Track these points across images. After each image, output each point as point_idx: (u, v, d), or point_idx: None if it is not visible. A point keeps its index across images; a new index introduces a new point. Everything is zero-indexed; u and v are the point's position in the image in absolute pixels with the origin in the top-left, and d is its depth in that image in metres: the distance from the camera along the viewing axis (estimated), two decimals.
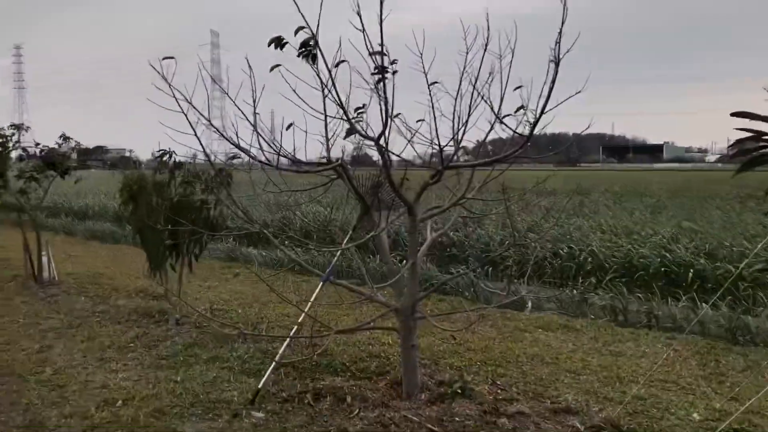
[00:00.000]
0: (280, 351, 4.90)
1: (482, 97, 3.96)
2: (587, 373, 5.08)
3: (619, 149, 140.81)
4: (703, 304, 6.90)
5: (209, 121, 4.00)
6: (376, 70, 3.94)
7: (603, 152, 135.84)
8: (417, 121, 4.30)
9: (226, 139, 4.11)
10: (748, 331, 6.14)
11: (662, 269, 7.96)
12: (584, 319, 6.91)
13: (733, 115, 2.99)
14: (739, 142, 3.05)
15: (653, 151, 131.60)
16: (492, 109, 3.94)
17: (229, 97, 4.15)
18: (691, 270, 7.64)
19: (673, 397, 4.59)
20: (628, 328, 6.51)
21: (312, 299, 4.87)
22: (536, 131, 4.03)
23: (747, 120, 3.03)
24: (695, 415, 4.22)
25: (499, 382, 4.80)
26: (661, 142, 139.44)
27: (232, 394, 4.63)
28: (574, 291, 7.60)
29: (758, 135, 2.91)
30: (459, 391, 4.42)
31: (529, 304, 7.36)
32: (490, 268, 8.84)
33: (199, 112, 3.98)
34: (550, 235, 9.79)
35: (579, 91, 4.04)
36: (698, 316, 6.33)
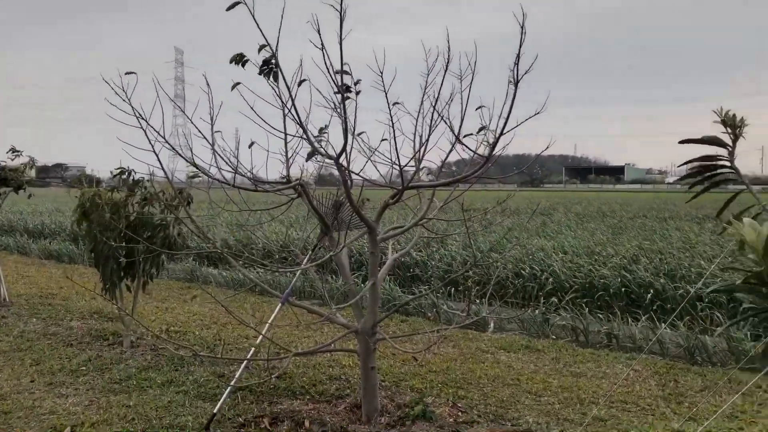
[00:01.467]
0: (237, 374, 4.78)
1: (441, 117, 3.95)
2: (548, 394, 5.06)
3: (581, 170, 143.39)
4: (662, 324, 6.98)
5: (164, 138, 3.91)
6: (339, 90, 3.92)
7: (566, 173, 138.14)
8: (381, 140, 4.29)
9: (182, 156, 4.02)
10: (705, 351, 6.21)
11: (623, 289, 8.04)
12: (546, 339, 6.92)
13: (680, 143, 3.04)
14: (688, 176, 3.11)
15: (615, 173, 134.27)
16: (451, 129, 3.94)
17: (185, 114, 4.07)
18: (651, 290, 7.72)
19: (633, 417, 4.59)
20: (588, 349, 6.54)
21: (270, 321, 4.77)
22: (497, 151, 4.04)
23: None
24: None
25: (459, 404, 4.75)
26: (623, 164, 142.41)
27: (186, 419, 4.49)
28: (536, 311, 7.61)
29: (704, 159, 2.96)
30: (419, 413, 4.35)
31: (492, 324, 7.34)
32: (453, 289, 8.82)
33: (154, 129, 3.89)
34: (512, 255, 9.83)
35: (538, 112, 4.07)
36: (656, 335, 6.39)
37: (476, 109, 4.12)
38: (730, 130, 3.13)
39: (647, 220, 18.93)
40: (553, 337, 7.02)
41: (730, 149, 3.06)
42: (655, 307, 7.44)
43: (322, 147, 4.13)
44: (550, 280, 8.58)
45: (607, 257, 9.52)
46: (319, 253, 5.48)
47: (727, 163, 3.04)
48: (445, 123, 3.95)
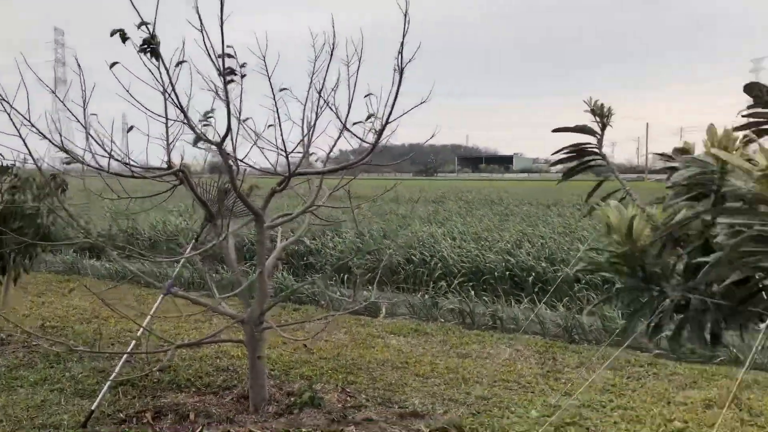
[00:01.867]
0: (117, 368, 4.59)
1: (327, 104, 3.94)
2: (435, 376, 5.20)
3: (473, 160, 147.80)
4: (543, 305, 7.33)
5: (30, 122, 3.66)
6: (222, 74, 3.81)
7: (458, 162, 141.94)
8: (267, 126, 4.22)
9: (50, 141, 3.78)
10: (582, 330, 6.58)
11: (507, 273, 8.36)
12: (434, 323, 7.09)
13: (554, 131, 3.19)
14: (559, 162, 3.27)
15: (504, 162, 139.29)
16: (337, 115, 3.93)
17: (57, 97, 3.85)
18: (533, 273, 8.09)
19: (514, 395, 4.79)
20: (475, 331, 6.76)
21: (152, 312, 4.60)
22: (384, 139, 4.09)
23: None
24: (533, 412, 4.42)
25: (348, 390, 4.78)
26: (512, 154, 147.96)
27: (61, 417, 4.26)
28: (426, 296, 7.79)
29: (575, 147, 3.12)
30: (307, 400, 4.35)
31: (383, 309, 7.44)
32: (346, 276, 8.86)
33: (18, 112, 3.63)
34: (403, 241, 10.00)
35: (424, 101, 4.15)
36: (532, 316, 6.70)
37: (365, 97, 4.15)
38: (598, 119, 3.32)
39: (532, 207, 19.80)
40: (442, 320, 7.21)
41: (599, 137, 3.25)
42: (536, 289, 7.80)
43: (207, 133, 4.02)
44: (439, 265, 8.79)
45: (494, 242, 9.88)
46: (206, 242, 5.34)
47: (596, 150, 3.23)
48: (331, 109, 3.95)
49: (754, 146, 2.34)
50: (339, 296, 7.68)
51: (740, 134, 2.71)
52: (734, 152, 2.26)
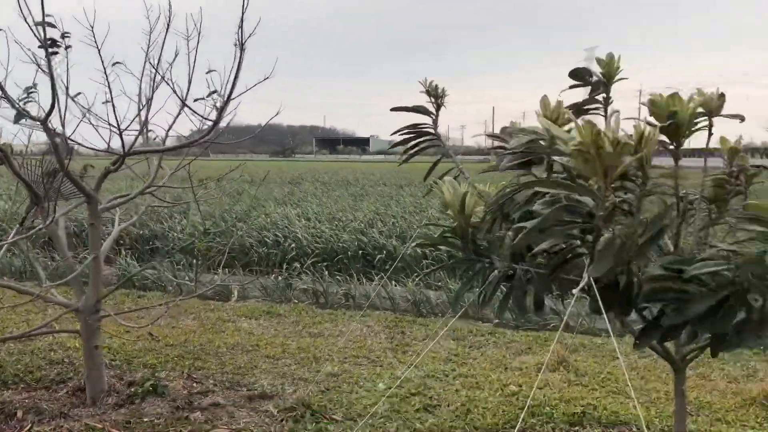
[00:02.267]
0: None
1: (164, 79, 3.76)
2: (285, 357, 5.19)
3: (330, 141, 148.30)
4: (394, 282, 7.54)
5: None
6: (43, 45, 3.52)
7: (316, 144, 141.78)
8: (103, 103, 3.95)
9: None
10: (429, 304, 6.83)
11: (360, 252, 8.50)
12: (288, 304, 7.07)
13: (392, 110, 3.27)
14: (399, 143, 3.36)
15: (361, 144, 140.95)
16: (174, 91, 3.77)
17: None
18: (384, 251, 8.28)
19: (363, 370, 4.89)
20: (327, 310, 6.82)
21: None
22: (227, 117, 3.98)
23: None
24: (381, 384, 4.54)
25: (195, 376, 4.65)
26: (368, 136, 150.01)
27: None
28: (279, 278, 7.74)
29: (413, 127, 3.22)
30: (150, 389, 4.17)
31: (235, 293, 7.30)
32: (195, 260, 8.58)
33: None
34: (257, 223, 9.85)
35: (267, 77, 4.08)
36: (374, 293, 6.88)
37: (206, 73, 4.01)
38: (433, 100, 3.44)
39: (386, 188, 20.23)
40: (295, 301, 7.20)
41: (434, 117, 3.36)
42: (387, 267, 7.99)
43: (30, 109, 3.70)
44: (293, 246, 8.76)
45: (347, 222, 9.99)
46: (33, 226, 4.93)
47: (432, 131, 3.34)
48: (168, 84, 3.77)
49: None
50: (187, 281, 7.43)
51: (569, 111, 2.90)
52: (563, 125, 2.43)
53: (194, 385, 4.46)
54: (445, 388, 4.49)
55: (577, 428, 3.80)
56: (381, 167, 47.50)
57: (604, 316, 2.17)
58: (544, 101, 2.43)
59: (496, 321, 6.30)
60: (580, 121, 1.90)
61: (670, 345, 3.06)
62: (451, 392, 4.40)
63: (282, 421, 3.87)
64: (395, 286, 7.43)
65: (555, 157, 2.22)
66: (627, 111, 2.74)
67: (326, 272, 7.85)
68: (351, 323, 6.28)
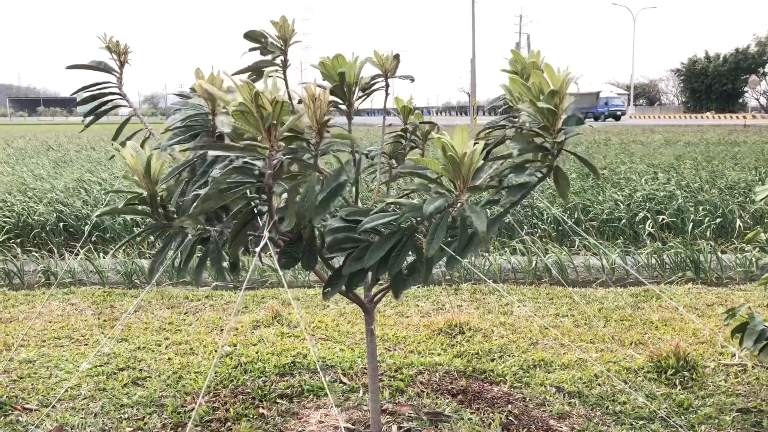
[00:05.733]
0: None
1: None
2: None
3: (29, 102, 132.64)
4: (102, 255, 7.05)
5: None
6: None
7: (11, 104, 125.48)
8: None
9: None
10: (143, 273, 6.52)
11: (60, 224, 7.76)
12: None
13: (68, 68, 3.00)
14: (80, 103, 3.10)
15: (67, 104, 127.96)
16: None
17: None
18: (87, 222, 7.66)
19: (65, 351, 4.53)
20: (23, 291, 6.14)
21: None
22: None
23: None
24: (85, 364, 4.25)
25: None
26: (74, 96, 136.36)
27: None
28: None
29: (93, 87, 3.00)
30: None
31: None
32: None
33: None
34: None
35: None
36: (78, 268, 6.41)
37: None
38: (116, 57, 3.22)
39: (94, 152, 18.70)
40: None
41: (118, 75, 3.16)
42: (93, 239, 7.43)
43: None
44: None
45: (44, 192, 9.02)
46: None
47: (116, 90, 3.14)
48: None
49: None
50: None
51: (241, 76, 2.93)
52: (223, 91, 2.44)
53: None
54: (157, 358, 4.36)
55: (287, 378, 3.97)
56: (90, 130, 43.51)
57: (280, 272, 2.28)
58: (198, 72, 2.41)
59: (215, 284, 6.26)
60: (238, 82, 1.93)
61: (361, 290, 3.32)
62: (163, 362, 4.29)
63: None
64: (103, 258, 6.95)
65: (222, 127, 2.24)
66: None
67: (19, 249, 7.04)
68: (51, 303, 5.74)
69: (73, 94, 3.18)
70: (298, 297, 5.84)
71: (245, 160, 2.10)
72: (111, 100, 3.13)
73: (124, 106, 3.18)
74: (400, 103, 3.12)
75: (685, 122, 50.90)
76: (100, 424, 3.41)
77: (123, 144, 2.70)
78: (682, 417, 3.42)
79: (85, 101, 3.08)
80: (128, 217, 7.27)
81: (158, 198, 2.75)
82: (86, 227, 7.58)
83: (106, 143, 23.08)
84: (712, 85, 76.88)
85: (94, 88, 3.06)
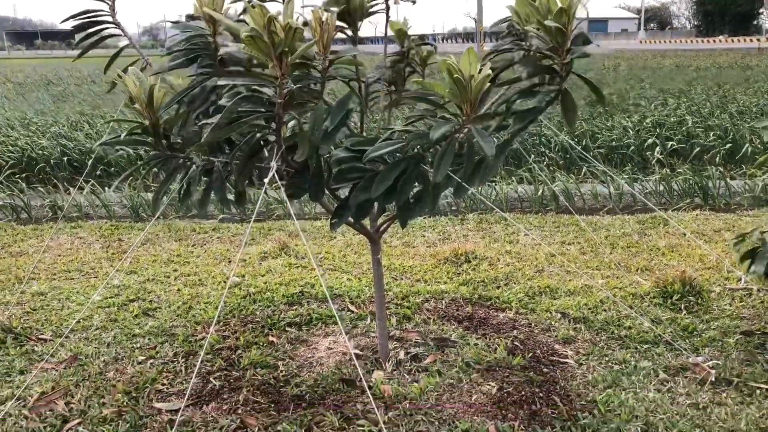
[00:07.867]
0: None
1: None
2: None
3: (26, 35, 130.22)
4: (106, 188, 7.05)
5: None
6: None
7: (8, 38, 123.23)
8: None
9: None
10: (149, 206, 6.53)
11: (64, 158, 7.73)
12: None
13: None
14: (72, 33, 3.01)
15: (66, 37, 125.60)
16: None
17: None
18: (91, 156, 7.63)
19: (76, 284, 4.57)
20: (31, 225, 6.17)
21: None
22: None
23: None
24: (96, 296, 4.30)
25: None
26: (71, 28, 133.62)
27: None
28: None
29: (87, 14, 2.90)
30: None
31: None
32: None
33: None
34: None
35: None
36: (84, 202, 6.41)
37: None
38: None
39: (95, 86, 18.47)
40: None
41: (111, 4, 3.06)
42: (98, 172, 7.42)
43: None
44: None
45: (47, 127, 8.96)
46: None
47: (110, 18, 3.04)
48: None
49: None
50: None
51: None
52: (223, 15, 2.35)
53: None
54: (166, 289, 4.40)
55: (295, 307, 4.02)
56: (91, 62, 42.89)
57: (287, 203, 2.25)
58: None
59: (222, 217, 6.27)
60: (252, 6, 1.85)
61: (367, 221, 3.31)
62: (173, 293, 4.34)
63: None
64: (109, 191, 6.95)
65: (225, 49, 2.17)
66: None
67: (24, 184, 7.03)
68: (60, 237, 5.78)
69: (62, 22, 3.08)
70: (305, 229, 5.84)
71: (254, 87, 2.04)
72: (104, 29, 3.04)
73: (120, 35, 3.09)
74: (396, 26, 3.01)
75: (697, 46, 49.70)
76: (113, 353, 3.48)
77: (125, 70, 2.64)
78: (687, 340, 3.45)
79: (77, 30, 2.99)
80: (131, 151, 7.23)
81: (161, 128, 2.70)
82: (89, 161, 7.55)
83: (108, 77, 22.80)
84: (727, 6, 74.58)
85: (85, 16, 2.97)
